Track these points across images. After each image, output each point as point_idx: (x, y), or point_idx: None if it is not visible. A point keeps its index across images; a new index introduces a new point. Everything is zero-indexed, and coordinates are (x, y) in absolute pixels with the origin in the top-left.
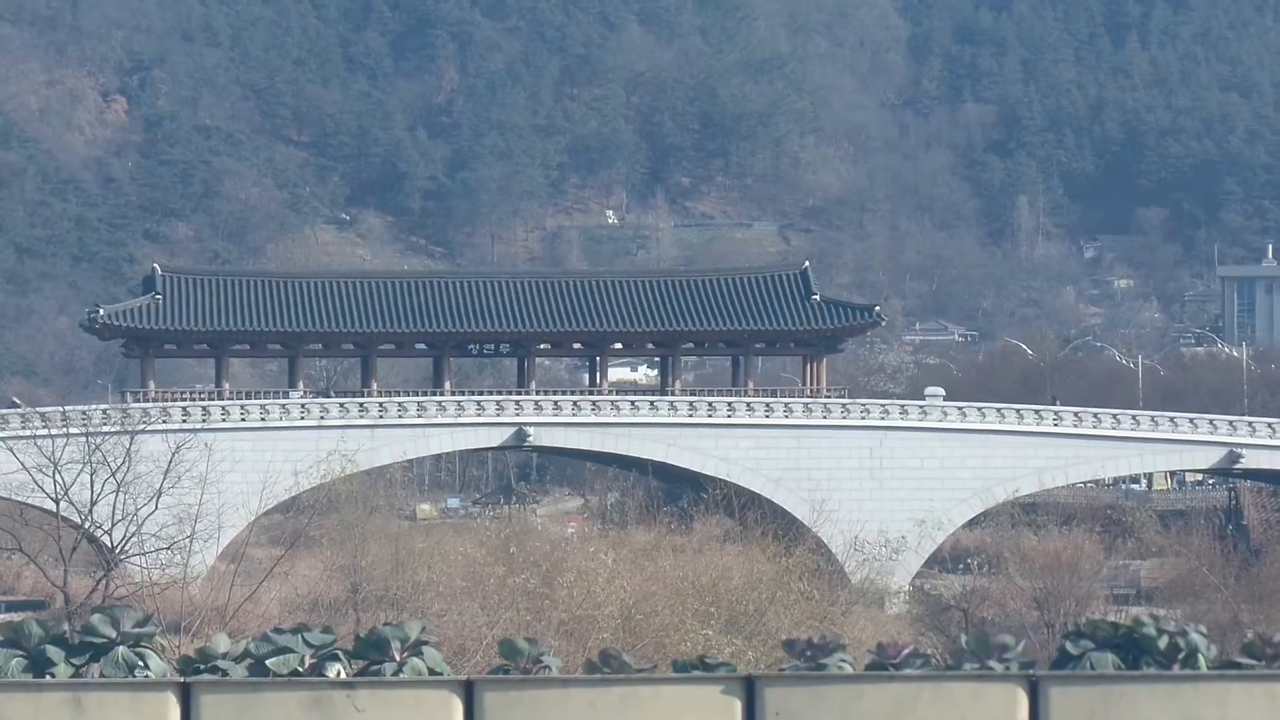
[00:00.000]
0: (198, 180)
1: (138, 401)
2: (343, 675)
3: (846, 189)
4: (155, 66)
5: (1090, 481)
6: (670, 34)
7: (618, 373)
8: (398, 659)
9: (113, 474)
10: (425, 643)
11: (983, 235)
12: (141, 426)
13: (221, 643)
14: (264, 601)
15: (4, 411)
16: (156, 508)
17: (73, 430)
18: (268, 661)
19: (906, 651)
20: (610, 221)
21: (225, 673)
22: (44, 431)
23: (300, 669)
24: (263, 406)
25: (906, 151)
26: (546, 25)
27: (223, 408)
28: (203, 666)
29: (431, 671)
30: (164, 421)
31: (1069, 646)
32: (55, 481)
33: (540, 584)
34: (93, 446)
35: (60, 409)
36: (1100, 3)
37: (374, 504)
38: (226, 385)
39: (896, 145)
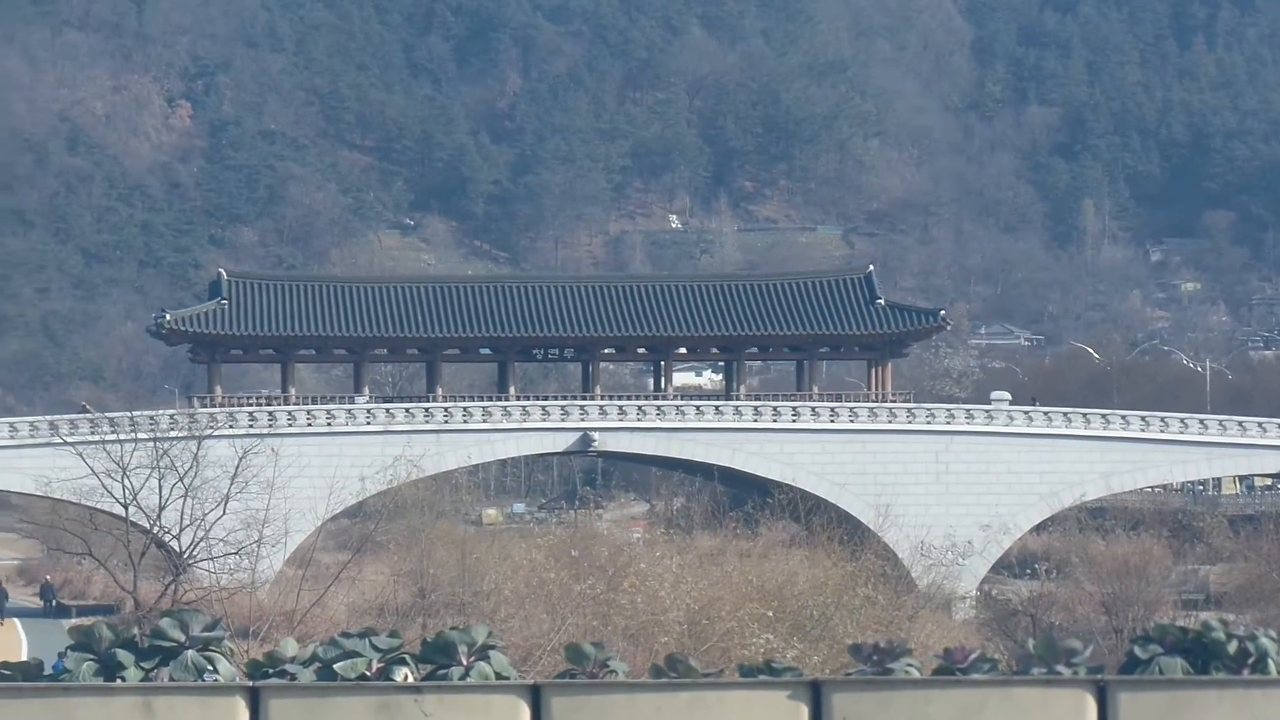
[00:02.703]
0: (262, 185)
1: (204, 407)
2: (410, 680)
3: (911, 192)
4: (220, 72)
5: (1158, 486)
6: (733, 37)
7: (682, 377)
8: (464, 663)
9: (180, 479)
10: (492, 647)
11: (1048, 238)
12: (209, 431)
13: (290, 647)
14: (331, 606)
15: (72, 417)
16: (224, 513)
17: (141, 435)
18: (335, 666)
19: (974, 656)
20: (673, 225)
21: (293, 677)
22: (113, 437)
23: (368, 673)
24: (329, 412)
25: (971, 155)
26: (609, 29)
27: (289, 413)
28: (271, 671)
29: (498, 676)
30: (231, 427)
31: (1137, 651)
32: (124, 486)
33: (606, 589)
34: (161, 451)
35: (129, 414)
36: (1166, 4)
37: (440, 509)
38: (292, 390)
39: (961, 148)
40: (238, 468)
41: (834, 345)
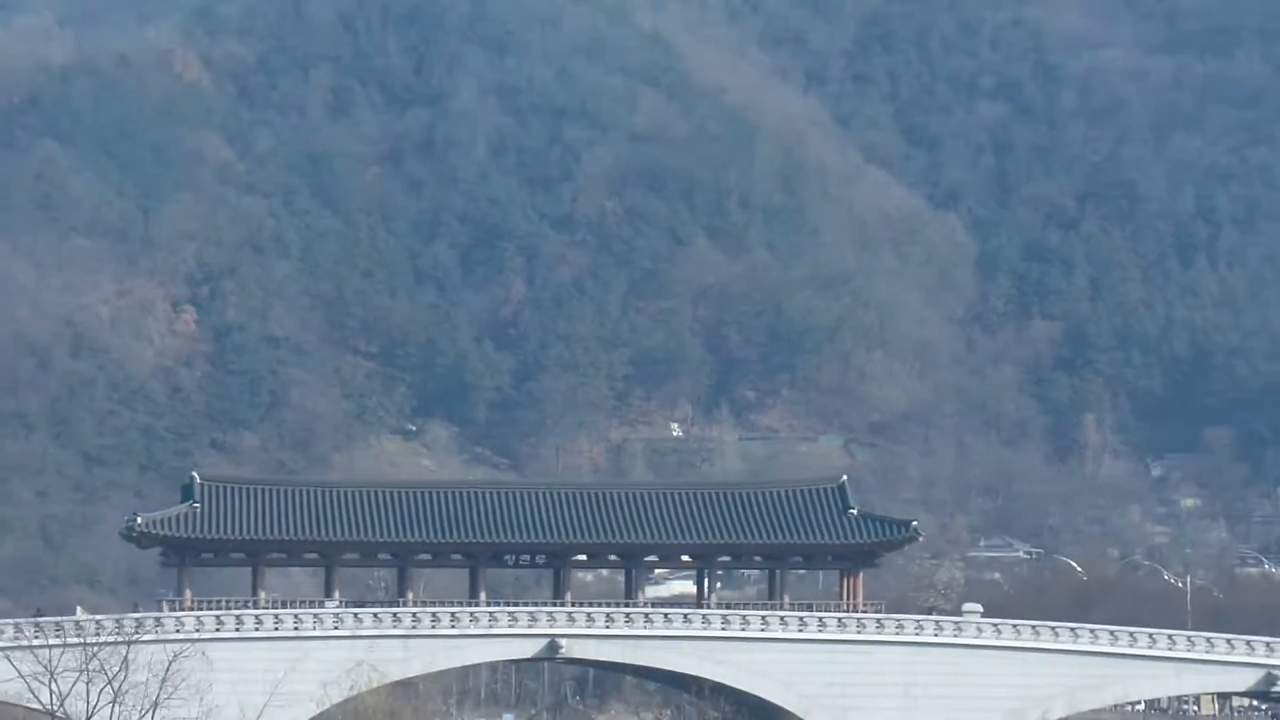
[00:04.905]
0: (265, 390)
1: (174, 610)
2: None
3: (912, 404)
4: (225, 277)
5: (1137, 704)
6: (738, 248)
7: (681, 586)
8: None
9: (109, 682)
10: None
11: (1049, 452)
12: (137, 636)
13: None
14: None
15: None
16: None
17: (70, 640)
18: None
19: None
20: (675, 434)
21: None
22: (39, 640)
23: None
24: (296, 615)
25: (973, 367)
26: (614, 239)
27: (256, 617)
28: None
29: None
30: (198, 630)
31: None
32: (51, 690)
33: None
34: (89, 655)
35: (56, 619)
36: (1169, 223)
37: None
38: (262, 594)
39: (963, 361)
40: (167, 672)
41: (806, 554)
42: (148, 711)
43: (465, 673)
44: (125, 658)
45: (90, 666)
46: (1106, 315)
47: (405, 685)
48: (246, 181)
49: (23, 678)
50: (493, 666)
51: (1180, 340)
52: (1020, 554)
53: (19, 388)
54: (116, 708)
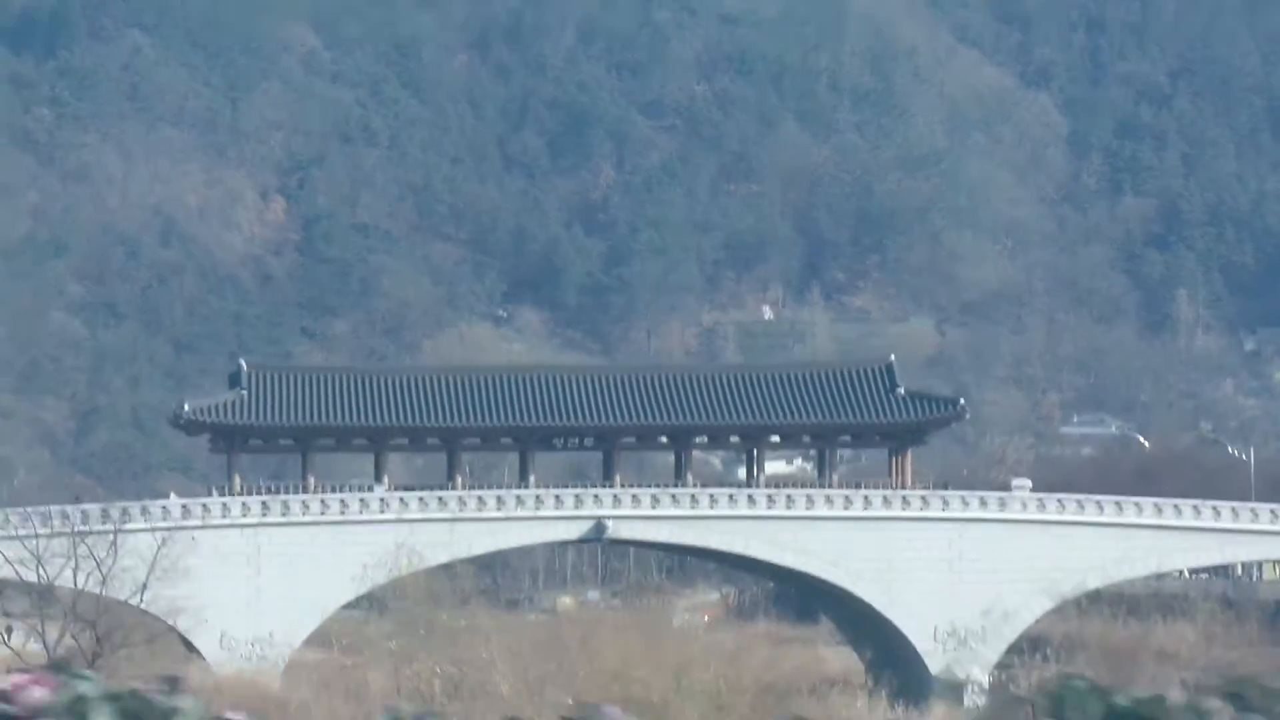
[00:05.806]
0: (355, 278)
1: (223, 496)
2: None
3: (1004, 283)
4: (314, 166)
5: (1203, 571)
6: (827, 130)
7: (771, 467)
8: None
9: (98, 566)
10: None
11: (1141, 328)
12: (122, 525)
13: None
14: (369, 696)
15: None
16: (143, 602)
17: (58, 529)
18: None
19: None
20: (766, 317)
21: None
22: (30, 530)
23: None
24: (342, 501)
25: (1064, 245)
26: (703, 123)
27: (303, 501)
28: None
29: None
30: (243, 514)
31: None
32: (39, 575)
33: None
34: (77, 542)
35: (44, 508)
36: (1261, 96)
37: (449, 601)
38: (311, 479)
39: (1055, 239)
40: (156, 557)
41: (854, 434)
42: (135, 593)
43: (551, 554)
44: (114, 543)
45: (78, 552)
46: (1199, 191)
47: (445, 568)
48: (334, 70)
49: (10, 564)
50: (579, 549)
51: (1273, 214)
52: (1113, 429)
53: (109, 277)
54: (104, 590)
